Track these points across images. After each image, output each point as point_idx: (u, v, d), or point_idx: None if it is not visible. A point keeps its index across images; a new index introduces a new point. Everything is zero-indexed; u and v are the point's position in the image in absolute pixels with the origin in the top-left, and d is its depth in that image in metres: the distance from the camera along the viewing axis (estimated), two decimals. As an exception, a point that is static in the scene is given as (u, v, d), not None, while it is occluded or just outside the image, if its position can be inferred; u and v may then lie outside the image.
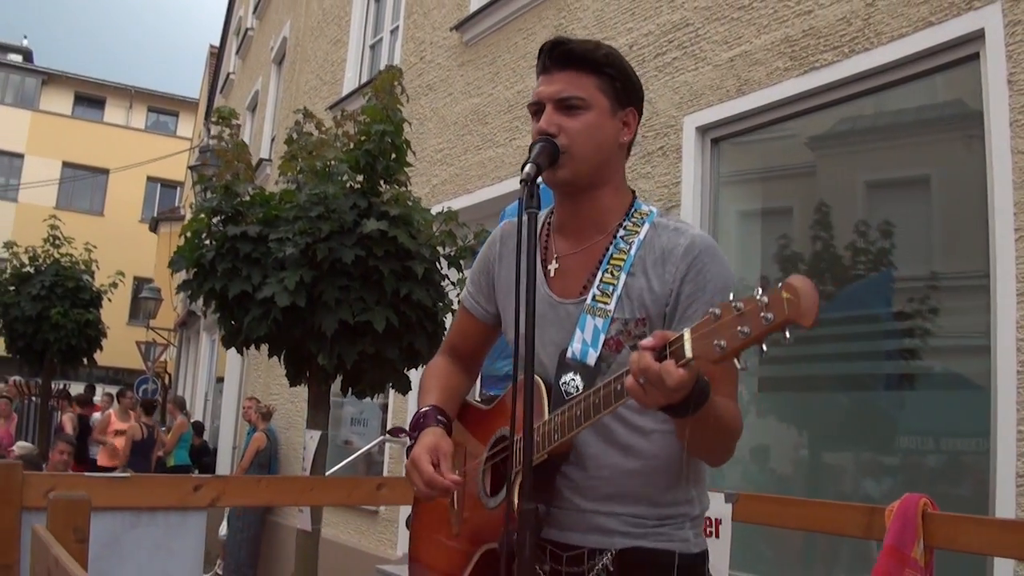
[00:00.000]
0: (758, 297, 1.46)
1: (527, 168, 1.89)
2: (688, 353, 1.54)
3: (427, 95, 9.65)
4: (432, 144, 9.36)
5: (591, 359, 1.95)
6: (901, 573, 2.85)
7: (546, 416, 1.90)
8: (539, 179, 1.93)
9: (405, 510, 8.36)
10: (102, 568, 3.16)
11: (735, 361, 1.53)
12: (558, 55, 2.04)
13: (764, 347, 1.49)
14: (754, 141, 5.91)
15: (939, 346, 4.74)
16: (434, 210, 5.85)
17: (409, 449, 2.08)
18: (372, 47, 11.99)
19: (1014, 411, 4.06)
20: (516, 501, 1.86)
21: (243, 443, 12.60)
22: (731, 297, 1.80)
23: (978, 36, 4.39)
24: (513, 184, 6.68)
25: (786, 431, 5.66)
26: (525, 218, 1.85)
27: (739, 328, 1.48)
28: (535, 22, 7.94)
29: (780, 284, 1.45)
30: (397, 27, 11.04)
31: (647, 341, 1.61)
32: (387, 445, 9.11)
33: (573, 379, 1.95)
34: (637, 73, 2.18)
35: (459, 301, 2.45)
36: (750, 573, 5.03)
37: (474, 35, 8.84)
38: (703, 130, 5.99)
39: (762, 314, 1.45)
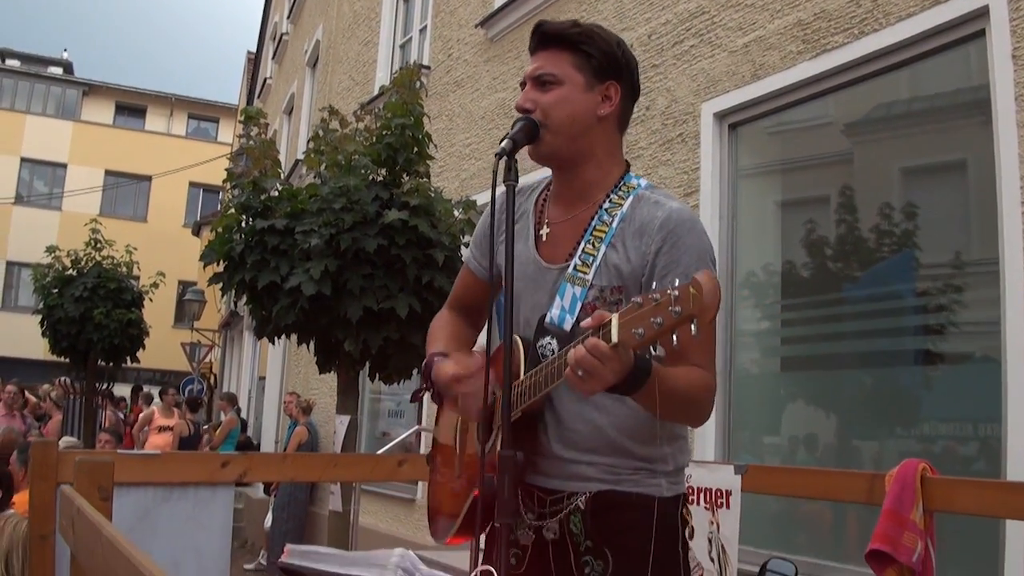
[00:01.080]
0: (670, 291, 1.58)
1: (503, 143, 2.02)
2: (614, 338, 1.66)
3: (455, 91, 9.80)
4: (460, 139, 9.51)
5: (567, 325, 2.05)
6: (900, 535, 2.88)
7: (521, 376, 2.04)
8: (515, 153, 2.04)
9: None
10: (136, 539, 3.29)
11: (653, 348, 1.65)
12: (538, 37, 2.19)
13: (675, 338, 1.60)
14: (771, 126, 5.98)
15: (960, 326, 4.78)
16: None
17: (434, 395, 2.22)
18: (402, 47, 12.16)
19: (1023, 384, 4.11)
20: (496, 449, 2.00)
21: (284, 437, 12.81)
22: (711, 267, 1.94)
23: (983, 13, 4.44)
24: (538, 175, 6.80)
25: (807, 408, 5.73)
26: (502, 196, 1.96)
27: (653, 319, 1.60)
28: (557, 16, 8.04)
29: (691, 279, 1.57)
30: (425, 26, 11.20)
31: (586, 321, 1.74)
32: (422, 435, 9.26)
33: (550, 343, 2.08)
34: (656, 62, 2.28)
35: (458, 264, 2.57)
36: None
37: (499, 31, 8.97)
38: (720, 116, 6.06)
39: (671, 307, 1.57)
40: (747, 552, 4.84)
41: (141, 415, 14.58)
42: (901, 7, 4.86)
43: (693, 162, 6.18)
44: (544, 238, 2.21)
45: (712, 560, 3.68)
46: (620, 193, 2.15)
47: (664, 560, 2.07)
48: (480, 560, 2.10)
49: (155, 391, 16.51)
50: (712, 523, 3.68)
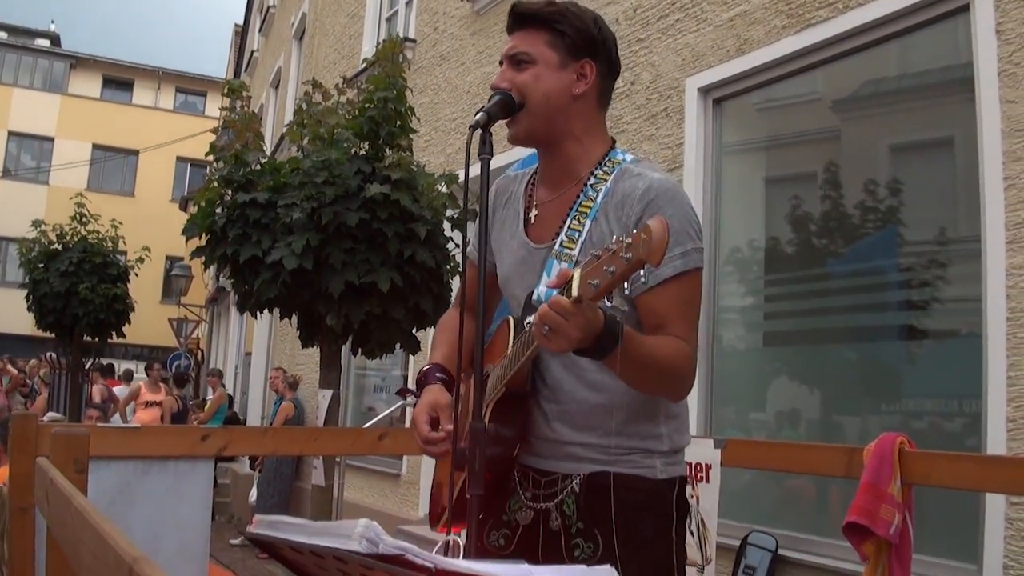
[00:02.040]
0: (623, 239, 1.57)
1: (477, 116, 2.01)
2: (574, 291, 1.64)
3: (440, 65, 9.75)
4: (446, 113, 9.47)
5: (545, 282, 2.05)
6: (878, 508, 2.89)
7: (508, 352, 2.04)
8: (490, 127, 2.03)
9: (426, 472, 8.55)
10: (115, 512, 3.30)
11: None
12: (514, 16, 2.17)
13: (627, 287, 1.59)
14: (757, 102, 5.97)
15: (943, 302, 4.80)
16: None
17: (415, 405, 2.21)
18: (388, 20, 12.09)
19: (1003, 358, 4.13)
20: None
21: (270, 413, 12.83)
22: (694, 236, 1.92)
23: (967, -13, 4.44)
24: (521, 152, 6.77)
25: (790, 384, 5.75)
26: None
27: (607, 268, 1.58)
28: (543, -11, 7.99)
29: (644, 226, 1.55)
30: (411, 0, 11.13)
31: (550, 279, 1.74)
32: (407, 409, 9.28)
33: None
34: (640, 36, 2.27)
35: (439, 243, 2.56)
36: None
37: (484, 4, 8.92)
38: (705, 91, 6.05)
39: (623, 254, 1.55)
40: (727, 526, 4.89)
41: (128, 390, 14.55)
42: (886, -19, 4.84)
43: (677, 137, 6.17)
44: (533, 220, 2.21)
45: (692, 534, 3.71)
46: (605, 169, 2.14)
47: (655, 545, 2.06)
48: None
49: (134, 367, 16.51)
50: (692, 496, 3.70)
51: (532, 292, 2.11)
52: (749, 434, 5.62)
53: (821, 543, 4.83)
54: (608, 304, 1.64)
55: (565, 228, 2.10)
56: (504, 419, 2.08)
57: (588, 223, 2.07)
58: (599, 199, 2.09)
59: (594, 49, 2.16)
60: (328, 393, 5.81)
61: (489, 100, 2.10)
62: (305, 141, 5.76)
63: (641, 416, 2.08)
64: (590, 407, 2.08)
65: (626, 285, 1.59)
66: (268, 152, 6.42)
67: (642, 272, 1.57)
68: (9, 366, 15.85)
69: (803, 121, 5.88)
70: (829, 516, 5.03)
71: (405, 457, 9.09)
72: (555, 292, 2.00)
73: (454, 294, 2.56)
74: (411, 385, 8.63)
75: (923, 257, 4.95)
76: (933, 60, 5.01)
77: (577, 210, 2.10)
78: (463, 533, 1.94)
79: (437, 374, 2.24)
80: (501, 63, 2.18)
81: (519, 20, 2.16)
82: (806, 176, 5.81)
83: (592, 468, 2.07)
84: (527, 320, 2.07)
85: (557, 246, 2.09)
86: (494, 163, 1.98)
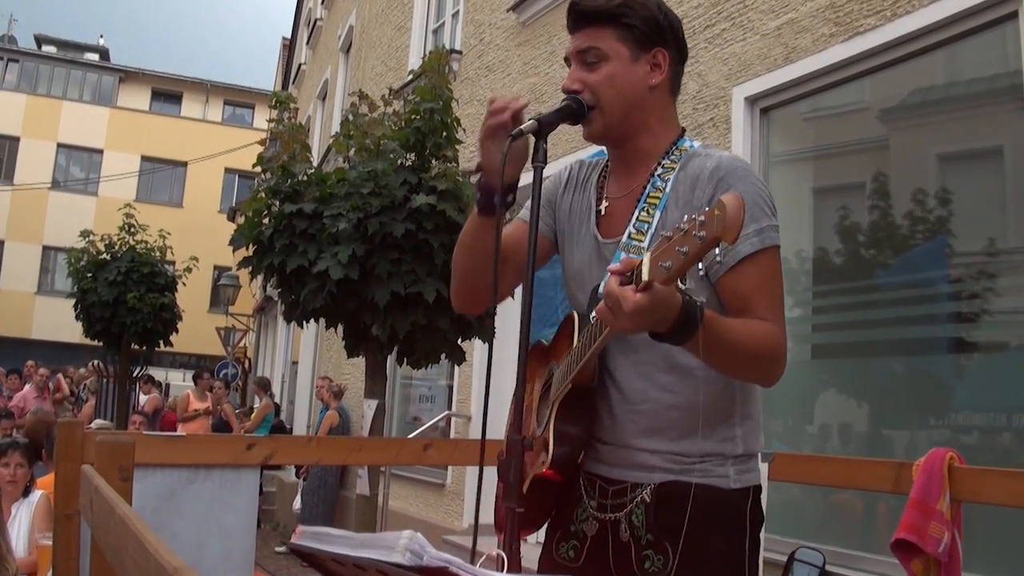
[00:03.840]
0: (696, 217, 1.51)
1: (527, 123, 1.95)
2: (645, 275, 1.58)
3: (487, 76, 9.78)
4: (492, 124, 9.48)
5: (611, 267, 2.01)
6: (927, 525, 2.85)
7: (574, 346, 1.99)
8: (544, 135, 1.97)
9: (470, 483, 8.56)
10: (161, 519, 3.34)
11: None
12: (576, 14, 2.12)
13: (701, 267, 1.54)
14: (805, 111, 5.92)
15: (994, 314, 4.72)
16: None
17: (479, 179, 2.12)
18: (435, 32, 12.15)
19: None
20: (551, 429, 1.97)
21: (316, 422, 12.90)
22: (768, 213, 1.88)
23: (1017, -7, 4.37)
24: (568, 160, 6.77)
25: (838, 397, 5.68)
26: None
27: (679, 248, 1.52)
28: (589, -1, 7.99)
29: (717, 202, 1.50)
30: (458, 11, 11.19)
31: (614, 266, 1.68)
32: (453, 420, 9.30)
33: None
34: (688, 46, 2.23)
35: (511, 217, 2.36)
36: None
37: (530, 15, 8.93)
38: (752, 100, 6.01)
39: (695, 233, 1.50)
40: (774, 541, 4.83)
41: (179, 399, 14.72)
42: (935, -12, 4.79)
43: (724, 147, 6.13)
44: (603, 212, 2.16)
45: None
46: (672, 158, 2.10)
47: (727, 558, 1.99)
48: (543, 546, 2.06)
49: (181, 375, 16.67)
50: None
51: (599, 285, 2.01)
52: (796, 447, 5.55)
53: (869, 559, 4.76)
54: (682, 286, 1.60)
55: (633, 220, 2.05)
56: (571, 417, 2.02)
57: (657, 214, 2.02)
58: (668, 189, 2.04)
59: (663, 36, 2.10)
60: (373, 403, 5.83)
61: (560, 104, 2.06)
62: (351, 152, 5.80)
63: (715, 417, 2.02)
64: (661, 408, 2.02)
65: (700, 265, 1.53)
66: (315, 163, 6.47)
67: (717, 251, 1.51)
68: (63, 380, 16.07)
69: (851, 130, 5.82)
70: (877, 532, 4.95)
71: (450, 467, 9.09)
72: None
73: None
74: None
75: (973, 268, 4.87)
76: (982, 68, 4.93)
77: (646, 201, 2.05)
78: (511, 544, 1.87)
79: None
80: (567, 61, 2.13)
81: (583, 18, 2.11)
82: (854, 186, 5.74)
83: (663, 477, 2.00)
84: (593, 313, 2.05)
85: (625, 238, 2.03)
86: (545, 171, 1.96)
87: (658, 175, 2.07)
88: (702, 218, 1.50)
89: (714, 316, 1.78)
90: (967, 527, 2.83)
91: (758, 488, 2.07)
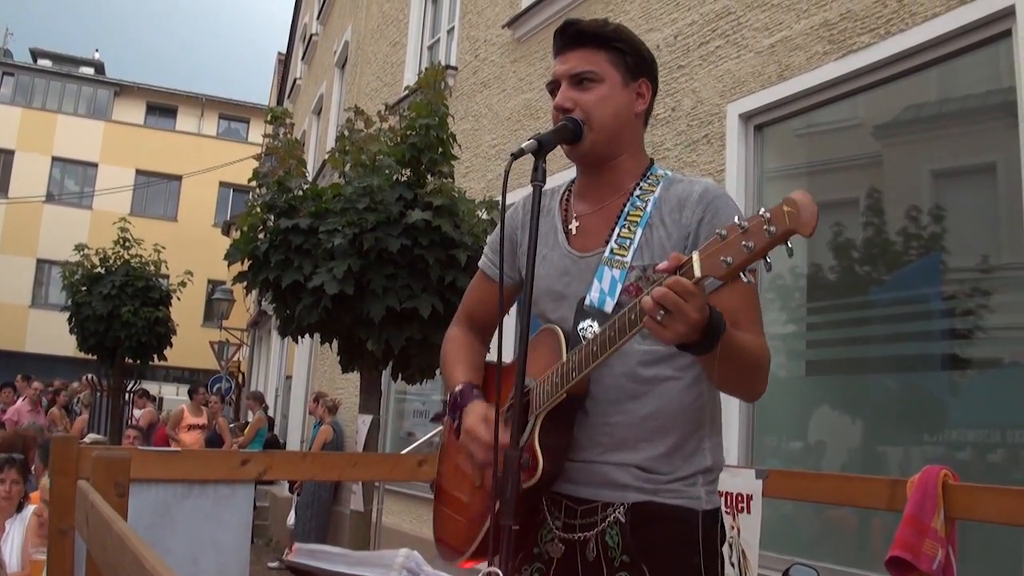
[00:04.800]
0: (761, 213, 1.55)
1: (525, 144, 1.99)
2: (697, 272, 1.62)
3: (482, 92, 9.81)
4: (487, 140, 9.52)
5: (608, 307, 2.03)
6: (920, 543, 2.84)
7: (563, 358, 2.00)
8: (543, 155, 2.02)
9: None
10: (155, 535, 3.33)
11: (739, 282, 1.62)
12: (570, 35, 2.17)
13: (768, 261, 1.58)
14: (798, 128, 5.94)
15: (988, 330, 4.72)
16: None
17: (458, 428, 2.14)
18: (430, 48, 12.19)
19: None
20: (536, 439, 1.98)
21: (310, 436, 12.87)
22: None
23: (1009, 12, 4.39)
24: (563, 177, 6.80)
25: (832, 413, 5.68)
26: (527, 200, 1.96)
27: (744, 243, 1.56)
28: (583, 16, 8.01)
29: (784, 199, 1.54)
30: (453, 27, 11.23)
31: (662, 264, 1.69)
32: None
33: (591, 325, 2.04)
34: (682, 63, 2.30)
35: (477, 267, 2.49)
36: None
37: (525, 31, 8.97)
38: (746, 117, 6.03)
39: (765, 227, 1.54)
40: (768, 558, 4.82)
41: (172, 413, 14.68)
42: (927, 7, 4.82)
43: (719, 163, 6.15)
44: (574, 231, 2.20)
45: (732, 565, 3.66)
46: (649, 181, 2.17)
47: None
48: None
49: (175, 389, 16.62)
50: (733, 528, 3.65)
51: (584, 298, 2.08)
52: (790, 464, 5.55)
53: (863, 576, 4.76)
54: (745, 280, 1.63)
55: (615, 236, 2.10)
56: (555, 431, 2.03)
57: (639, 231, 2.08)
58: (648, 208, 2.10)
59: (648, 68, 2.21)
60: (368, 418, 5.83)
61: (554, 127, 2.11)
62: (347, 168, 5.82)
63: (685, 429, 2.06)
64: (632, 420, 2.04)
65: (767, 261, 1.58)
66: (310, 178, 6.49)
67: (789, 244, 1.55)
68: (57, 398, 16.01)
69: (844, 147, 5.84)
70: (871, 549, 4.95)
71: (443, 483, 9.05)
72: (608, 298, 2.00)
73: (464, 300, 2.49)
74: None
75: (966, 285, 4.88)
76: (975, 85, 4.96)
77: (626, 219, 2.11)
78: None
79: (474, 390, 2.20)
80: (553, 83, 2.18)
81: (577, 39, 2.16)
82: (848, 202, 5.76)
83: (637, 497, 2.02)
84: (580, 326, 2.06)
85: (607, 253, 2.08)
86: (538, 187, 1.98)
87: (637, 195, 2.14)
88: (768, 215, 1.54)
89: (730, 327, 1.81)
90: (961, 545, 2.83)
91: (720, 508, 2.12)
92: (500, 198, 2.14)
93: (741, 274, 1.61)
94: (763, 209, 1.56)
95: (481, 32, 10.09)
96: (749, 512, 3.75)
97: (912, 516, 2.87)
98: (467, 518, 2.21)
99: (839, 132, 5.82)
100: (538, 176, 1.97)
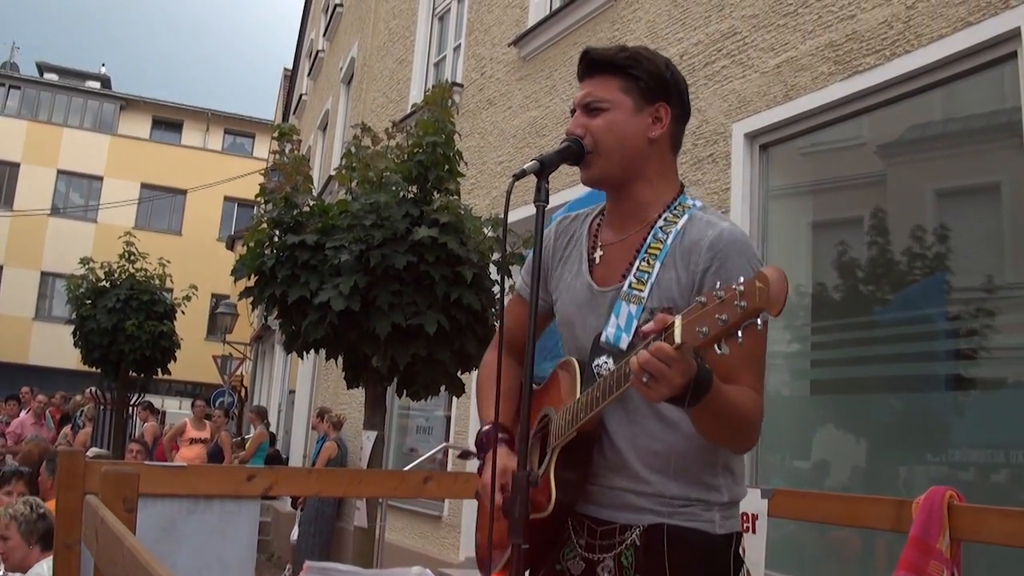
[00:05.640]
0: (735, 286, 1.56)
1: (528, 164, 2.03)
2: (677, 339, 1.64)
3: (487, 109, 9.85)
4: (493, 157, 9.55)
5: (624, 343, 2.03)
6: (926, 564, 2.84)
7: (577, 395, 2.03)
8: (546, 175, 2.05)
9: (468, 515, 8.54)
10: (160, 550, 3.33)
11: (719, 347, 1.62)
12: (585, 64, 2.21)
13: (740, 335, 1.58)
14: (803, 147, 5.96)
15: (992, 351, 4.72)
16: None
17: (480, 468, 2.21)
18: (436, 65, 12.24)
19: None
20: (553, 475, 2.01)
21: (313, 452, 12.86)
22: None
23: (1015, 35, 4.41)
24: (568, 195, 6.82)
25: (836, 433, 5.68)
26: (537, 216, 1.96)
27: (718, 316, 1.58)
28: (590, 35, 8.08)
29: (756, 273, 1.55)
30: (459, 45, 11.27)
31: (648, 326, 1.72)
32: (449, 451, 9.28)
33: (606, 362, 2.06)
34: (687, 81, 2.28)
35: (511, 290, 2.51)
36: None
37: (531, 50, 9.01)
38: (752, 136, 6.05)
39: (736, 302, 1.55)
40: (773, 577, 4.82)
41: (173, 427, 14.69)
42: (933, 29, 4.84)
43: (724, 182, 6.17)
44: (597, 260, 2.21)
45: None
46: (675, 212, 2.15)
47: None
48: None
49: (178, 403, 16.62)
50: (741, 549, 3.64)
51: (600, 334, 2.09)
52: (795, 483, 5.55)
53: (868, 596, 4.75)
54: (718, 351, 1.63)
55: (634, 270, 2.09)
56: (572, 464, 2.07)
57: (657, 265, 2.07)
58: (669, 241, 2.09)
59: (668, 92, 2.19)
60: (372, 434, 5.84)
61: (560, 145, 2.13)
62: (354, 184, 5.85)
63: (697, 466, 2.07)
64: (649, 455, 2.06)
65: (740, 333, 1.58)
66: (315, 194, 6.52)
67: (758, 321, 1.56)
68: (63, 408, 16.02)
69: (849, 166, 5.86)
70: (876, 570, 4.94)
71: (447, 500, 9.06)
72: (624, 335, 2.01)
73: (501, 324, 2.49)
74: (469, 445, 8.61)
75: (971, 305, 4.89)
76: (979, 105, 4.98)
77: (646, 252, 2.10)
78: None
79: (499, 435, 2.21)
80: (573, 111, 2.20)
81: (592, 67, 2.19)
82: (852, 221, 5.78)
83: (652, 519, 2.05)
84: (595, 363, 2.08)
85: (626, 287, 2.08)
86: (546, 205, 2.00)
87: (659, 227, 2.12)
88: (742, 288, 1.55)
89: (718, 383, 1.82)
90: (966, 566, 2.83)
91: (740, 535, 2.13)
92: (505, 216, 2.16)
93: (716, 347, 1.62)
94: (741, 279, 1.57)
95: (487, 50, 10.14)
96: (754, 532, 3.75)
97: (917, 537, 2.86)
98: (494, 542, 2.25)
99: (844, 152, 5.84)
100: (540, 196, 2.01)
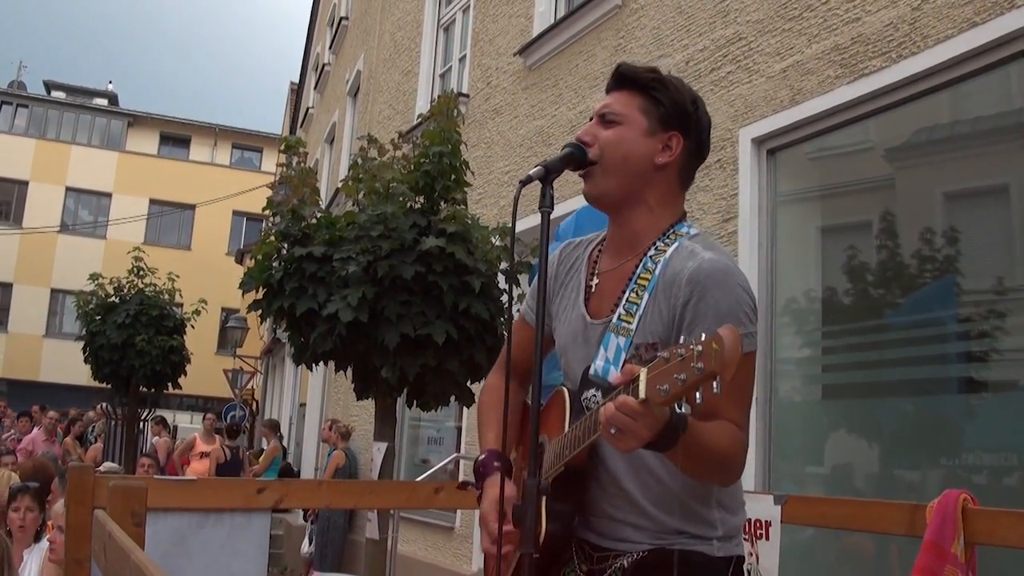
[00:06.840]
0: (693, 346, 1.55)
1: (533, 170, 2.02)
2: (641, 394, 1.62)
3: (493, 119, 9.85)
4: (499, 166, 9.55)
5: (612, 376, 1.99)
6: (941, 569, 2.82)
7: (566, 429, 2.02)
8: (550, 180, 2.03)
9: (480, 526, 8.48)
10: (171, 565, 3.33)
11: (679, 406, 1.62)
12: (616, 77, 2.21)
13: (698, 396, 1.56)
14: (811, 151, 5.94)
15: (1004, 353, 4.70)
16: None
17: (479, 498, 2.20)
18: (442, 76, 12.27)
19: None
20: (543, 504, 1.97)
21: (324, 464, 12.87)
22: (743, 320, 1.90)
23: (1021, 35, 4.39)
24: (575, 204, 6.81)
25: (848, 437, 5.66)
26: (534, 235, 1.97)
27: (677, 375, 1.56)
28: (595, 43, 8.08)
29: (714, 334, 1.53)
30: (465, 55, 11.29)
31: (616, 376, 1.73)
32: (461, 462, 9.27)
33: (595, 395, 2.04)
34: (694, 89, 2.26)
35: (517, 313, 2.51)
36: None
37: (537, 59, 9.01)
38: (759, 141, 6.04)
39: (693, 364, 1.54)
40: (787, 583, 4.79)
41: (184, 441, 14.69)
42: (938, 30, 4.82)
43: (732, 188, 6.16)
44: (593, 289, 2.20)
45: (751, 592, 3.63)
46: (666, 240, 2.12)
47: None
48: None
49: (189, 417, 16.63)
50: (751, 555, 3.62)
51: (589, 367, 2.08)
52: (807, 489, 5.52)
53: (884, 601, 4.72)
54: (679, 410, 1.64)
55: (623, 301, 2.07)
56: (562, 496, 2.05)
57: (646, 297, 2.04)
58: (657, 272, 2.05)
59: (686, 124, 2.15)
60: (383, 446, 5.83)
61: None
62: (361, 195, 5.85)
63: (693, 501, 2.06)
64: (645, 489, 2.06)
65: (698, 394, 1.56)
66: (323, 206, 6.53)
67: (715, 384, 1.54)
68: (74, 428, 16.04)
69: (857, 170, 5.84)
70: (890, 574, 4.91)
71: (459, 510, 9.04)
72: (612, 368, 1.99)
73: (505, 347, 2.48)
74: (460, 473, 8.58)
75: (982, 307, 4.86)
76: (987, 107, 4.96)
77: (636, 282, 2.07)
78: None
79: (495, 463, 2.21)
80: (591, 119, 2.19)
81: (619, 81, 2.19)
82: (861, 225, 5.76)
83: (647, 546, 2.05)
84: (584, 396, 2.08)
85: (615, 320, 2.06)
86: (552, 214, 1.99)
87: (650, 256, 2.10)
88: (699, 348, 1.53)
89: (693, 423, 1.80)
90: (981, 570, 2.81)
91: (741, 559, 2.11)
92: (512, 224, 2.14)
93: (675, 406, 1.61)
94: (703, 336, 1.55)
95: (492, 60, 10.15)
96: (768, 539, 3.73)
97: (932, 542, 2.85)
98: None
99: (852, 155, 5.82)
100: (545, 202, 1.98)
